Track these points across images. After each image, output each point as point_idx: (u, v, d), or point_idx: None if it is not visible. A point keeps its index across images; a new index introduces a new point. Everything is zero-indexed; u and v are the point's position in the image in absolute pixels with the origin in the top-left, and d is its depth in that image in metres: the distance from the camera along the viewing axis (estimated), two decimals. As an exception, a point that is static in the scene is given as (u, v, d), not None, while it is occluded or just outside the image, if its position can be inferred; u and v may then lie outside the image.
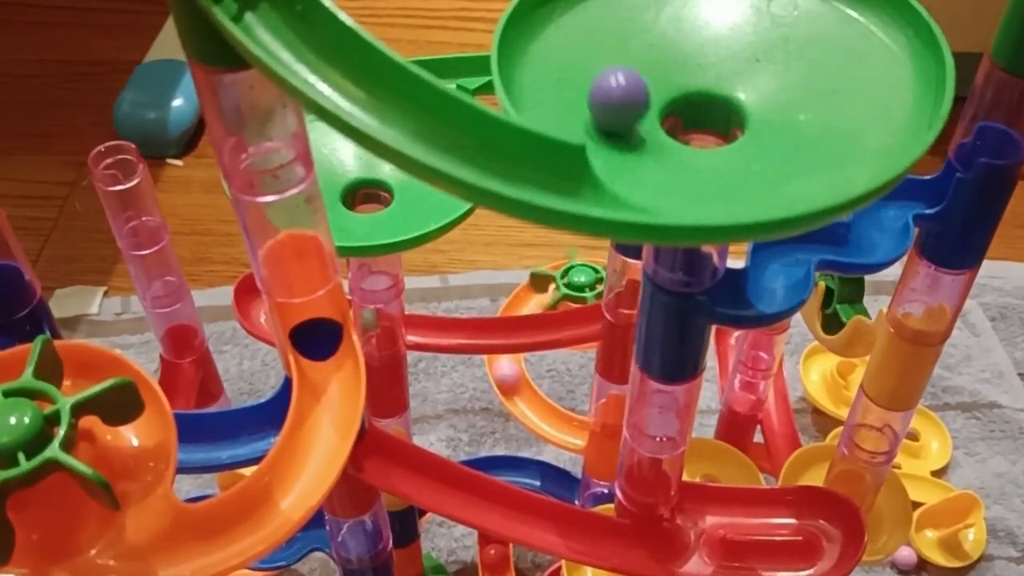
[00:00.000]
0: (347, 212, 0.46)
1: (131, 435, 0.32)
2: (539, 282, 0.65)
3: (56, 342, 0.31)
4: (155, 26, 1.16)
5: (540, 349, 0.63)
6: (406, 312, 0.53)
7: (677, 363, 0.36)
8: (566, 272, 0.67)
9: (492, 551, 0.71)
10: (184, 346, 0.56)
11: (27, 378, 0.29)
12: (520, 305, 0.70)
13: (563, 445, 0.66)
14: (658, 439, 0.39)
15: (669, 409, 0.38)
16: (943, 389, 0.85)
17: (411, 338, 0.56)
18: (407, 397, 0.57)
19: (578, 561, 0.42)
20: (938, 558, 0.73)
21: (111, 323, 0.90)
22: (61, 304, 0.91)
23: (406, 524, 0.63)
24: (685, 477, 0.41)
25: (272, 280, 0.34)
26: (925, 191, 0.38)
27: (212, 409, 0.58)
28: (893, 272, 0.40)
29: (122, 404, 0.29)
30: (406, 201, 0.46)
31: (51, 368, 0.30)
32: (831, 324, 0.59)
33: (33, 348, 0.29)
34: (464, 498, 0.41)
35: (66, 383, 0.31)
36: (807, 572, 0.40)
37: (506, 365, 0.67)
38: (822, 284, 0.60)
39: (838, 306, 0.58)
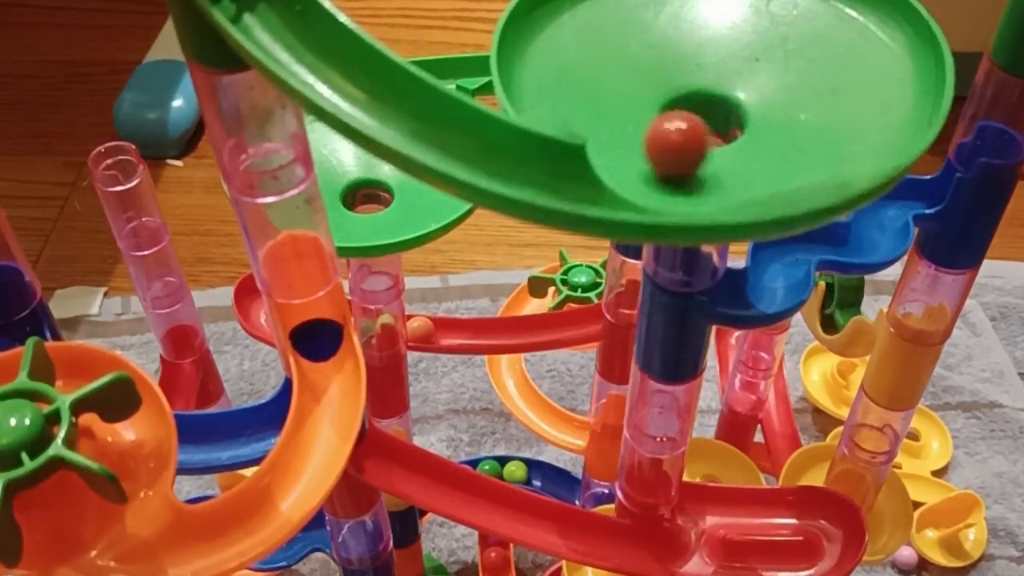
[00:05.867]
0: (347, 212, 0.46)
1: (131, 436, 0.32)
2: (538, 286, 0.64)
3: (51, 343, 0.31)
4: (155, 26, 1.16)
5: (540, 349, 0.63)
6: (407, 313, 0.53)
7: (677, 363, 0.36)
8: (566, 273, 0.67)
9: (493, 554, 0.71)
10: (184, 347, 0.56)
11: (23, 379, 0.29)
12: (520, 305, 0.70)
13: (564, 445, 0.66)
14: (658, 439, 0.39)
15: (669, 409, 0.37)
16: (943, 389, 0.85)
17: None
18: (407, 397, 0.57)
19: (579, 561, 0.42)
20: (939, 558, 0.73)
21: (111, 324, 0.90)
22: (61, 305, 0.91)
23: (407, 524, 0.63)
24: (685, 477, 0.41)
25: (272, 281, 0.34)
26: (925, 191, 0.38)
27: (212, 410, 0.58)
28: (893, 272, 0.40)
29: (120, 400, 0.29)
30: (406, 201, 0.46)
31: (44, 369, 0.30)
32: (830, 325, 0.59)
33: (26, 349, 0.29)
34: (464, 498, 0.41)
35: (60, 384, 0.31)
36: (808, 572, 0.40)
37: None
38: (822, 284, 0.60)
39: (836, 310, 0.58)
